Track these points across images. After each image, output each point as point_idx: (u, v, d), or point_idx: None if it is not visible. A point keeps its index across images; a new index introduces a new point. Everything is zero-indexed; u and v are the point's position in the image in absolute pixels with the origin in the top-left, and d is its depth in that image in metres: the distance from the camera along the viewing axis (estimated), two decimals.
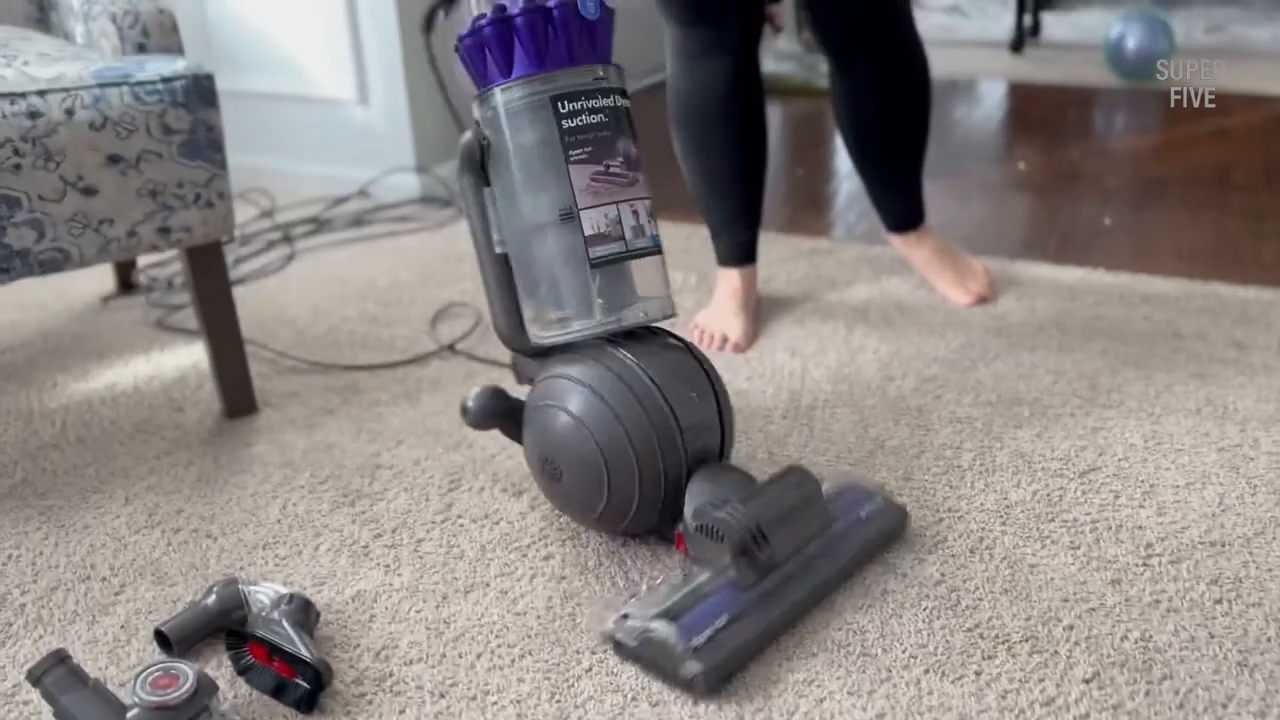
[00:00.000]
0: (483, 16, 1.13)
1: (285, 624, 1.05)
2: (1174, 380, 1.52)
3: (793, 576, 1.08)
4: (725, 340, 1.70)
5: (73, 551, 1.26)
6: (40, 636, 1.12)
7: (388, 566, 1.21)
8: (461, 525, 1.28)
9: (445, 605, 1.14)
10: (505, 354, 1.69)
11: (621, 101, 1.17)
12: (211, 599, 1.11)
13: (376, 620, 1.13)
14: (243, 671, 1.05)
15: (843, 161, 2.12)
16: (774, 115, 3.11)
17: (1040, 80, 3.52)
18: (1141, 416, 1.43)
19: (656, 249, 1.19)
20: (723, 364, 1.63)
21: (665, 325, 1.24)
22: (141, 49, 1.42)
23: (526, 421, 1.22)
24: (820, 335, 1.71)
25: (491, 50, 1.13)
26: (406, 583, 1.18)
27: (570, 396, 1.15)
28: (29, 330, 1.87)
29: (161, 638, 1.08)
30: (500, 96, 1.14)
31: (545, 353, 1.22)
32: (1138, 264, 1.95)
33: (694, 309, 1.81)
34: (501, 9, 1.12)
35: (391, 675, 1.05)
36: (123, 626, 1.13)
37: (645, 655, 1.02)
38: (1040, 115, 3.13)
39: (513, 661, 1.06)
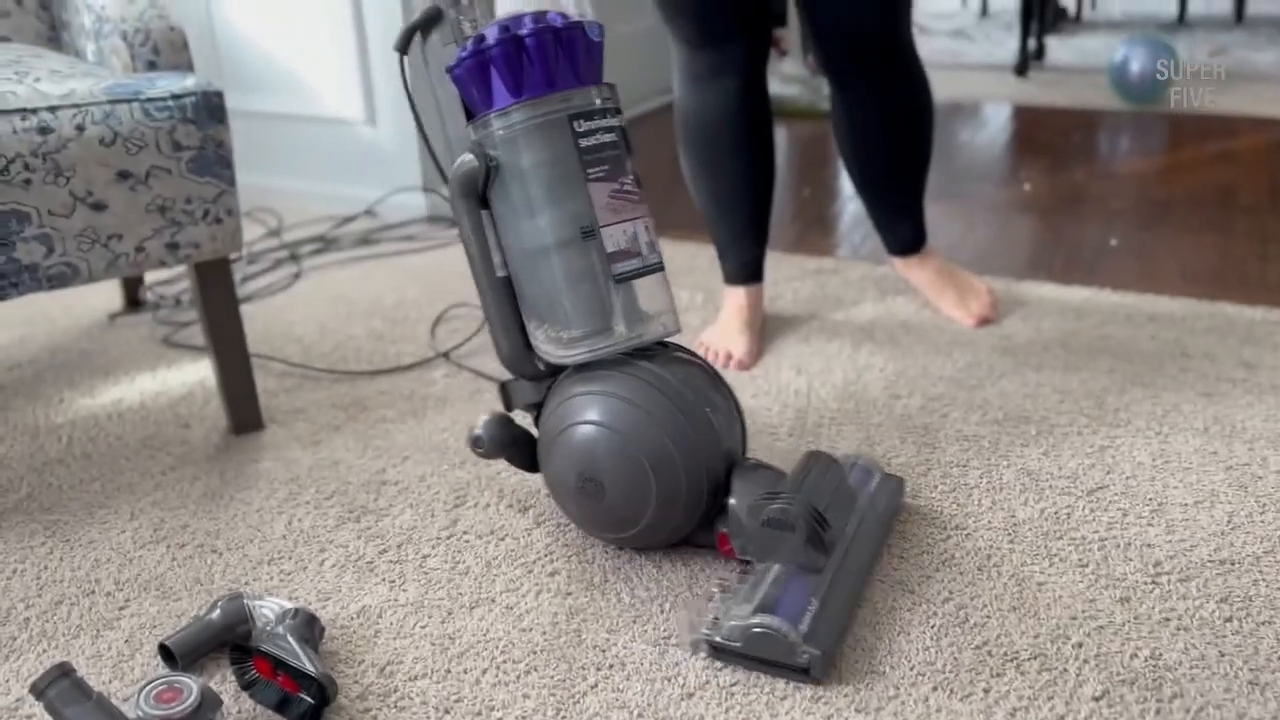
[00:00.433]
0: (482, 39, 1.11)
1: (290, 639, 1.04)
2: (1181, 399, 1.52)
3: (847, 553, 1.13)
4: (730, 358, 1.70)
5: (78, 566, 1.25)
6: (44, 651, 1.12)
7: (393, 582, 1.21)
8: (467, 541, 1.28)
9: (450, 621, 1.14)
10: (499, 367, 1.70)
11: (623, 121, 1.18)
12: (216, 613, 1.10)
13: (381, 636, 1.12)
14: (247, 686, 1.04)
15: (848, 182, 2.14)
16: (780, 137, 3.12)
17: (1045, 103, 3.53)
18: (1149, 435, 1.43)
19: (662, 265, 1.20)
20: (728, 381, 1.63)
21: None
22: (152, 66, 1.43)
23: (550, 445, 1.20)
24: (826, 354, 1.71)
25: (499, 71, 1.12)
26: (412, 598, 1.18)
27: (602, 410, 1.14)
28: (36, 346, 1.87)
29: (166, 652, 1.08)
30: (512, 116, 1.12)
31: (543, 377, 1.23)
32: (1143, 284, 1.95)
33: (700, 327, 1.81)
34: (506, 30, 1.11)
35: (396, 691, 1.05)
36: (127, 641, 1.13)
37: (755, 650, 1.03)
38: (1045, 138, 3.14)
39: (518, 677, 1.05)
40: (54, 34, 1.71)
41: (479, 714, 1.01)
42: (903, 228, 1.82)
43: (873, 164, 1.77)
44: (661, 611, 1.14)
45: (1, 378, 1.75)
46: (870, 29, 1.62)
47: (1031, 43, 4.02)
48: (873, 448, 1.43)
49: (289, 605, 1.10)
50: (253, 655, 1.04)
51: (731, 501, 1.16)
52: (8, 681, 1.08)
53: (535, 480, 1.39)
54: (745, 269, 1.78)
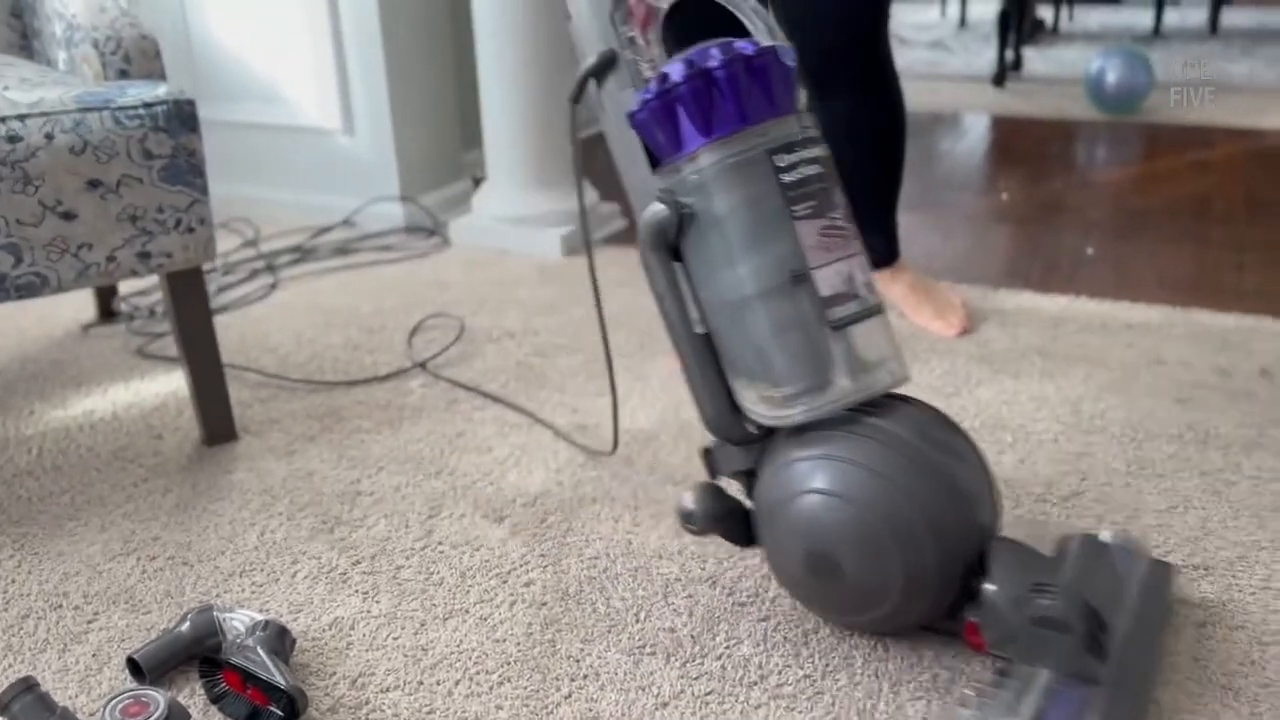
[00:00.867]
0: (666, 77, 1.00)
1: (260, 651, 1.03)
2: (1156, 405, 1.52)
3: (1124, 659, 0.95)
4: None
5: (45, 579, 1.24)
6: (10, 665, 1.10)
7: (366, 593, 1.20)
8: (441, 552, 1.27)
9: (424, 632, 1.13)
10: (478, 375, 1.69)
11: (825, 151, 1.06)
12: (185, 626, 1.09)
13: (354, 647, 1.11)
14: (216, 699, 1.03)
15: None
16: None
17: (1022, 113, 3.56)
18: (1124, 441, 1.43)
19: (883, 306, 1.06)
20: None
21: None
22: (124, 75, 1.42)
23: (771, 517, 1.06)
24: None
25: (688, 109, 1.00)
26: (385, 610, 1.17)
27: (833, 477, 1.00)
28: (6, 357, 1.85)
29: (134, 665, 1.06)
30: (703, 159, 1.01)
31: (754, 440, 1.09)
32: (1120, 293, 1.96)
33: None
34: (691, 64, 1.00)
35: (368, 703, 1.03)
36: (94, 655, 1.11)
37: None
38: (1023, 148, 3.16)
39: (491, 689, 1.05)
40: (25, 42, 1.70)
41: None
42: (875, 240, 1.82)
43: (846, 177, 1.77)
44: (637, 621, 1.13)
45: None
46: (847, 35, 1.62)
47: (1009, 54, 4.05)
48: None
49: (259, 617, 1.08)
50: (222, 668, 1.02)
51: (989, 587, 0.99)
52: None
53: (510, 491, 1.39)
54: None
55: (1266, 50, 4.29)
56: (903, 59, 4.89)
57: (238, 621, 1.08)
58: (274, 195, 2.57)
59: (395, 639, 1.12)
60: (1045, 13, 5.07)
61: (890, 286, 1.85)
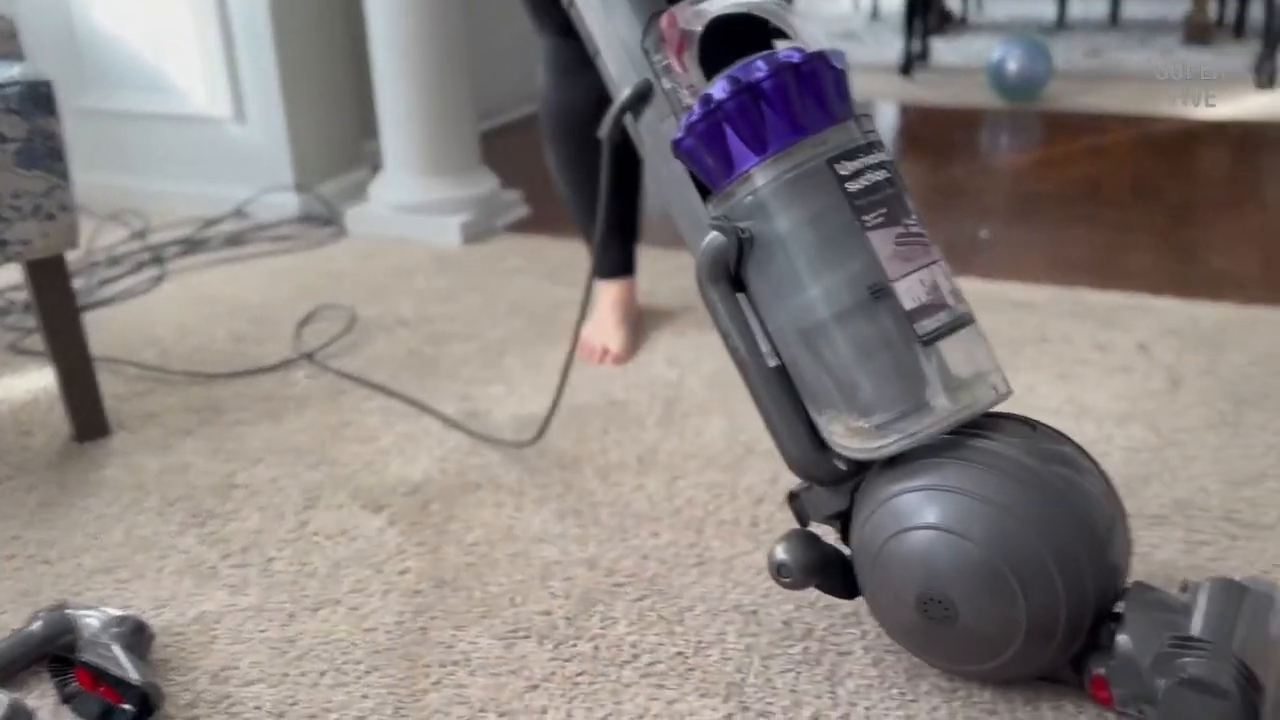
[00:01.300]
0: (709, 98, 0.94)
1: (115, 648, 1.00)
2: (1038, 381, 1.55)
3: None
4: (606, 352, 1.69)
5: None
6: None
7: (234, 587, 1.16)
8: (315, 543, 1.24)
9: (292, 624, 1.10)
10: (367, 365, 1.66)
11: (889, 155, 0.98)
12: (37, 625, 1.05)
13: (218, 641, 1.08)
14: (68, 699, 0.99)
15: None
16: None
17: (928, 102, 3.61)
18: None
19: (973, 315, 0.97)
20: (601, 375, 1.62)
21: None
22: None
23: (873, 561, 0.95)
24: (699, 345, 1.71)
25: (736, 128, 0.93)
26: (253, 602, 1.14)
27: (942, 510, 0.91)
28: None
29: None
30: (758, 178, 0.93)
31: (845, 479, 0.99)
32: (1011, 274, 1.99)
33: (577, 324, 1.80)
34: (736, 80, 0.93)
35: (229, 697, 1.00)
36: None
37: None
38: (929, 135, 3.21)
39: (358, 678, 1.02)
40: None
41: (314, 716, 0.98)
42: None
43: None
44: (512, 605, 1.12)
45: None
46: (745, 23, 1.62)
47: (916, 44, 4.10)
48: (737, 435, 1.43)
49: (116, 613, 1.05)
50: (74, 666, 0.98)
51: (1122, 639, 0.89)
52: None
53: (390, 480, 1.36)
54: (615, 264, 1.77)
55: (1162, 40, 4.41)
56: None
57: (92, 619, 1.04)
58: (165, 186, 2.50)
59: (262, 631, 1.09)
60: (954, 4, 5.15)
61: None
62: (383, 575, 1.17)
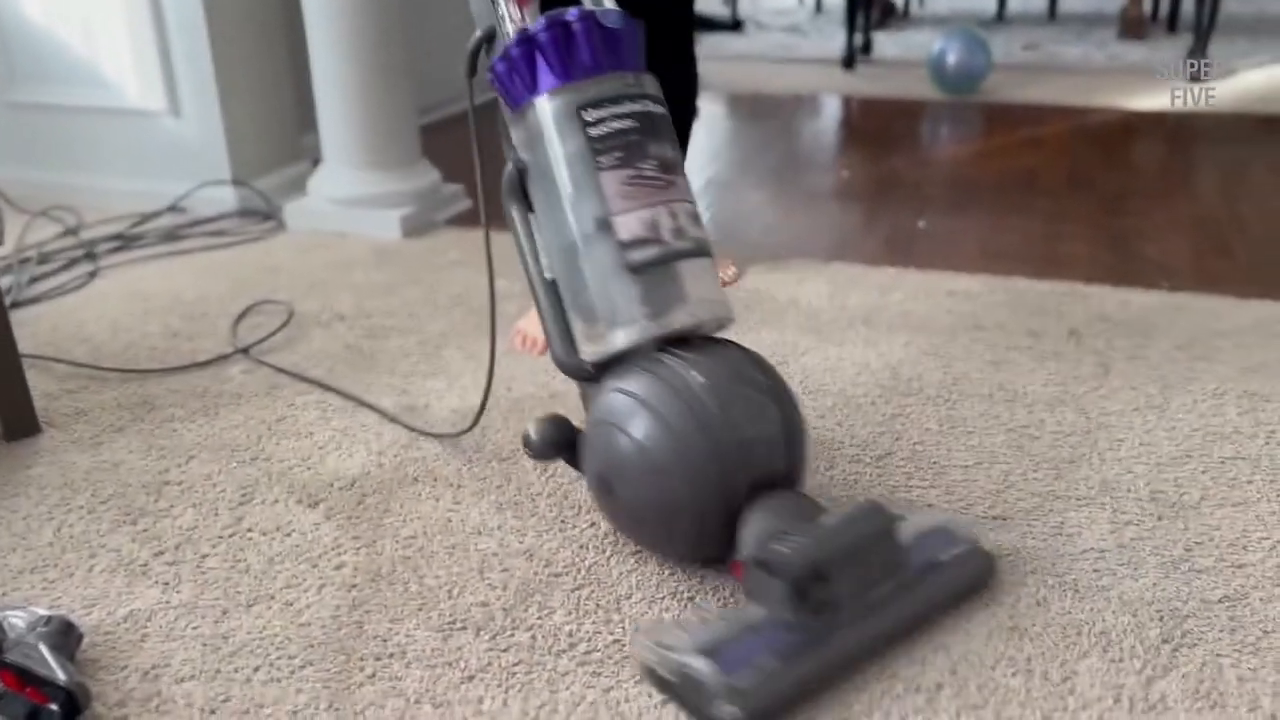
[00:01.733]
0: (508, 46, 1.14)
1: (41, 647, 0.98)
2: (971, 368, 1.58)
3: (853, 621, 0.99)
4: (541, 343, 1.69)
5: None
6: None
7: (166, 584, 1.15)
8: (250, 539, 1.22)
9: (225, 620, 1.09)
10: (305, 360, 1.65)
11: (655, 108, 1.15)
12: None
13: (149, 639, 1.06)
14: None
15: None
16: None
17: (869, 94, 3.65)
18: (939, 403, 1.48)
19: (701, 251, 1.14)
20: (541, 367, 1.62)
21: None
22: None
23: (585, 440, 1.15)
24: None
25: (519, 72, 1.13)
26: (185, 599, 1.12)
27: (621, 411, 1.08)
28: None
29: None
30: (530, 113, 1.13)
31: (595, 379, 1.15)
32: (947, 263, 2.02)
33: (515, 315, 1.79)
34: (525, 31, 1.12)
35: (160, 694, 0.99)
36: None
37: (680, 692, 0.95)
38: (869, 127, 3.25)
39: (292, 673, 1.01)
40: None
41: (246, 713, 0.97)
42: None
43: None
44: (449, 597, 1.12)
45: None
46: (664, 10, 1.65)
47: (858, 38, 4.14)
48: None
49: (42, 613, 1.03)
50: None
51: (742, 531, 1.04)
52: None
53: (328, 474, 1.35)
54: None
55: (1098, 34, 4.50)
56: (759, 43, 4.97)
57: (17, 619, 1.02)
58: (99, 182, 2.45)
59: (195, 628, 1.08)
60: None
61: None
62: (318, 570, 1.17)
